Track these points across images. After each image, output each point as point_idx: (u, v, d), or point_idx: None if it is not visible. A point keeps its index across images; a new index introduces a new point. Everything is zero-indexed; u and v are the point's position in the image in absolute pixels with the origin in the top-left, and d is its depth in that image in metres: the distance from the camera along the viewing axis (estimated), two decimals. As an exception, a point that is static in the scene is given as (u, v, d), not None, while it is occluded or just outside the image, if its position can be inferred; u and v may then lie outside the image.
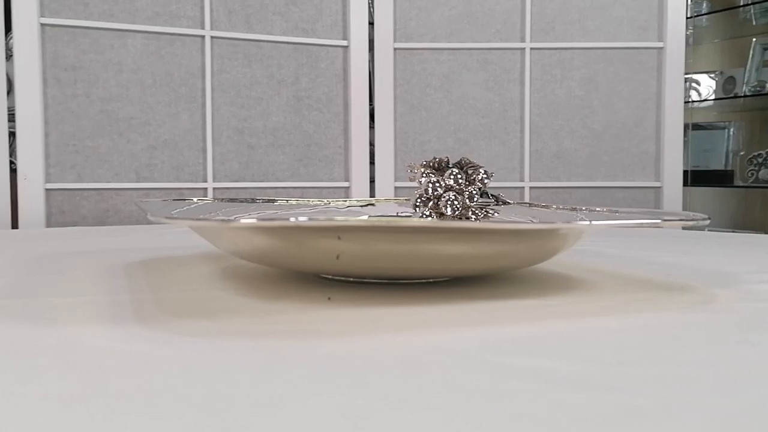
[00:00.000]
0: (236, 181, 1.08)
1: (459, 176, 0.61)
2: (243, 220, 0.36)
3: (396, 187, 1.16)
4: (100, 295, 0.40)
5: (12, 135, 0.96)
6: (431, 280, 0.46)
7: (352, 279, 0.45)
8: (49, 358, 0.27)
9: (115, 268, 0.49)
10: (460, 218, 0.60)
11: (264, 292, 0.41)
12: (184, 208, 0.54)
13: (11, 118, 0.96)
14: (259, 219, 0.38)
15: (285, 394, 0.22)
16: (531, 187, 1.19)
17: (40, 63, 0.96)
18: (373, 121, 1.15)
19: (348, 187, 1.14)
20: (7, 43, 0.99)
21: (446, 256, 0.41)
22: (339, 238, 0.38)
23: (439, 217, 0.60)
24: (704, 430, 0.19)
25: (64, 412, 0.21)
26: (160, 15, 1.02)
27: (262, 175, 1.10)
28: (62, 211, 0.99)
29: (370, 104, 1.17)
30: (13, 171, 0.96)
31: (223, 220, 0.37)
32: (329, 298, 0.39)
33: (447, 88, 1.17)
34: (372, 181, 1.16)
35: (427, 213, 0.60)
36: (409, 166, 0.63)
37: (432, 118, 1.17)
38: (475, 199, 0.61)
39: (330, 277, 0.45)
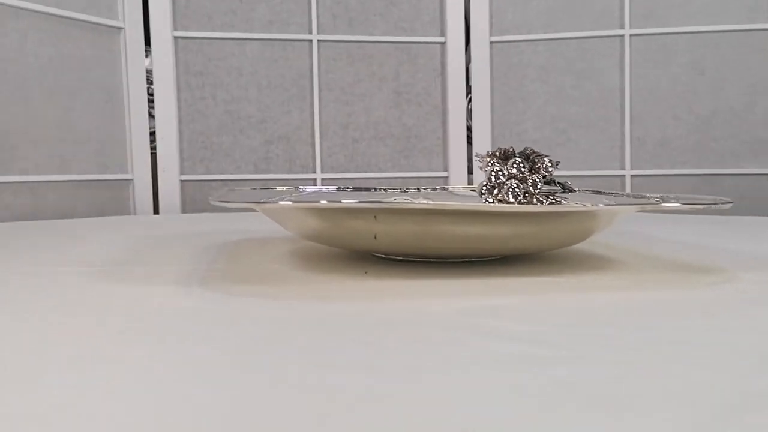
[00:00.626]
0: (342, 172, 1.19)
1: (522, 165, 0.66)
2: (281, 202, 0.44)
3: (493, 176, 1.20)
4: (185, 265, 0.50)
5: (152, 134, 1.13)
6: (467, 260, 0.51)
7: (399, 258, 0.51)
8: (121, 308, 0.37)
9: (213, 246, 0.59)
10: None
11: (315, 267, 0.48)
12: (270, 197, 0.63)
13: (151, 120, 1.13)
14: (292, 201, 0.46)
15: (298, 341, 0.30)
16: (632, 176, 1.18)
17: (174, 71, 1.12)
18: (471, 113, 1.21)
19: (447, 177, 1.21)
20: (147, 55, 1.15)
21: (468, 236, 0.45)
22: (375, 218, 0.44)
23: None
24: (686, 399, 0.25)
25: (127, 345, 0.30)
26: (273, 23, 1.15)
27: (365, 166, 1.19)
28: (194, 200, 1.14)
29: (468, 97, 1.22)
30: (154, 165, 1.13)
31: (259, 202, 0.46)
32: (366, 272, 0.46)
33: (544, 79, 1.20)
34: (470, 171, 1.21)
35: (491, 201, 0.66)
36: (477, 155, 0.69)
37: (529, 108, 1.20)
38: (539, 187, 0.65)
39: (383, 256, 0.51)
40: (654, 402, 0.21)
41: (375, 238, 0.45)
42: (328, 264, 0.49)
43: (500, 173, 0.66)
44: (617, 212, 0.51)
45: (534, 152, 0.68)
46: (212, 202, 0.47)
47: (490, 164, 0.66)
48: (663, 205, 0.54)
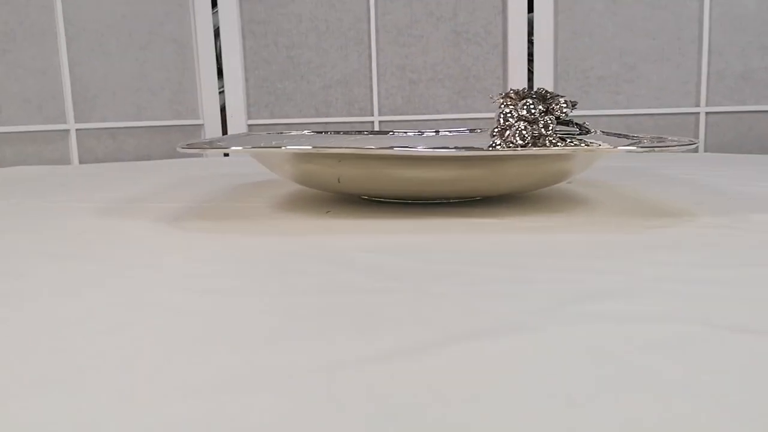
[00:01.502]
0: (400, 114, 1.21)
1: (532, 106, 0.66)
2: (233, 148, 0.49)
3: (555, 116, 1.16)
4: (184, 202, 0.56)
5: (220, 79, 1.21)
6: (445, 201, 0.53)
7: (369, 198, 0.54)
8: (99, 238, 0.45)
9: (231, 186, 0.66)
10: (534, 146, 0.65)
11: (286, 206, 0.52)
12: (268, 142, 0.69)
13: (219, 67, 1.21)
14: (252, 147, 0.50)
15: (209, 267, 0.36)
16: (708, 113, 1.08)
17: (239, 20, 1.19)
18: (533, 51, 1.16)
19: (505, 117, 1.18)
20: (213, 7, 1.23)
21: (415, 180, 0.47)
22: (339, 161, 0.47)
23: (509, 146, 0.66)
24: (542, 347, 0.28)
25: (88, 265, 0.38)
26: (329, -31, 1.17)
27: (423, 108, 1.20)
28: (261, 142, 1.23)
29: (530, 34, 1.17)
30: (222, 110, 1.22)
31: (220, 147, 0.51)
32: (328, 212, 0.49)
33: (613, 11, 1.12)
34: (529, 110, 1.18)
35: (498, 143, 0.67)
36: (490, 96, 0.70)
37: (595, 43, 1.13)
38: (551, 129, 0.65)
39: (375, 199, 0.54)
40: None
41: (338, 181, 0.49)
42: (299, 204, 0.53)
43: (509, 115, 0.66)
44: (549, 155, 0.49)
45: (549, 93, 0.67)
46: (178, 149, 0.53)
47: (501, 105, 0.66)
48: (619, 148, 0.51)
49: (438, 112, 1.20)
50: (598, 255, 0.33)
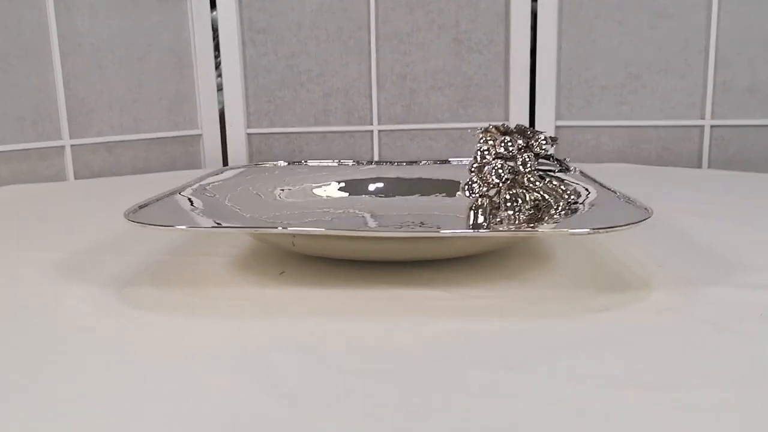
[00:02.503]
0: (399, 123, 1.19)
1: (510, 143, 0.65)
2: (178, 227, 0.46)
3: (557, 126, 1.14)
4: (145, 253, 0.54)
5: (219, 90, 1.20)
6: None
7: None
8: (29, 321, 0.43)
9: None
10: (513, 187, 0.64)
11: (245, 261, 0.50)
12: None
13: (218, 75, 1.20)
14: (196, 227, 0.47)
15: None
16: (713, 126, 1.06)
17: (238, 28, 1.17)
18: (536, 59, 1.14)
19: (507, 127, 1.16)
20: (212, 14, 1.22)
21: (354, 250, 0.45)
22: (293, 243, 0.46)
23: (486, 185, 0.65)
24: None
25: None
26: (328, -24, 1.15)
27: (423, 116, 1.19)
28: (260, 152, 1.22)
29: (533, 42, 1.15)
30: (221, 119, 1.21)
31: (161, 225, 0.48)
32: (282, 273, 0.47)
33: (619, 19, 1.09)
34: (532, 122, 1.16)
35: (475, 180, 0.65)
36: (470, 129, 0.68)
37: (600, 52, 1.11)
38: (529, 165, 0.64)
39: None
40: None
41: (293, 245, 0.47)
42: (264, 258, 0.50)
43: (486, 152, 0.65)
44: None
45: (529, 129, 0.66)
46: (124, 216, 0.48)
47: (480, 141, 0.65)
48: (571, 231, 0.46)
49: (438, 121, 1.18)
50: (507, 360, 0.32)
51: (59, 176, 1.01)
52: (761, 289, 0.41)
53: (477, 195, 0.65)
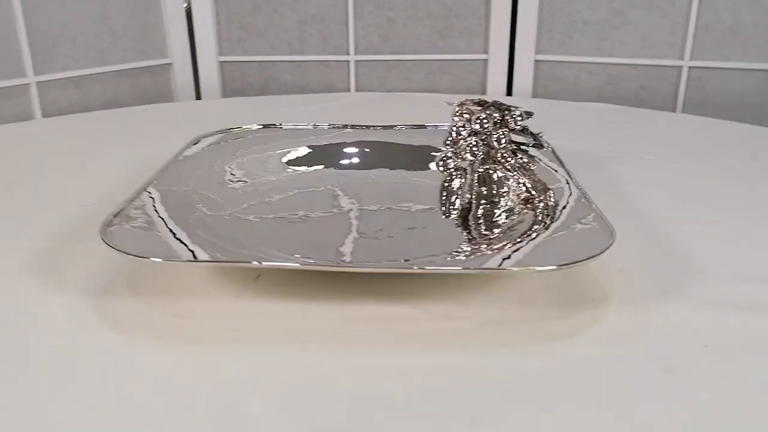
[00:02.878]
0: (376, 54, 1.16)
1: (485, 121, 0.65)
2: (153, 258, 0.45)
3: (537, 61, 1.13)
4: None
5: (188, 15, 1.15)
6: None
7: None
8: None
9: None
10: (485, 162, 0.65)
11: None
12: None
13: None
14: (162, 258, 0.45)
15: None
16: (691, 67, 1.05)
17: (205, -50, 1.11)
18: (517, -10, 1.10)
19: (486, 60, 1.14)
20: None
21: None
22: (257, 276, 0.46)
23: (459, 159, 0.65)
24: None
25: None
26: None
27: (400, 47, 1.16)
28: (233, 80, 1.19)
29: (515, -29, 1.10)
30: (191, 47, 1.17)
31: (139, 256, 0.46)
32: (258, 276, 0.47)
33: (604, -50, 1.05)
34: (512, 57, 1.14)
35: (450, 155, 0.66)
36: (446, 102, 0.68)
37: (583, -15, 1.07)
38: (503, 142, 0.65)
39: None
40: None
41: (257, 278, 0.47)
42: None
43: (462, 128, 0.66)
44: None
45: (504, 105, 0.66)
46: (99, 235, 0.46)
47: (457, 114, 0.65)
48: (536, 269, 0.43)
49: (417, 52, 1.16)
50: (458, 413, 0.34)
51: (26, 115, 0.99)
52: (714, 306, 0.44)
53: (451, 169, 0.66)
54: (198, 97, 1.17)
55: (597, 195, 0.57)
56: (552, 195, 0.54)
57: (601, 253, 0.42)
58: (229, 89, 1.19)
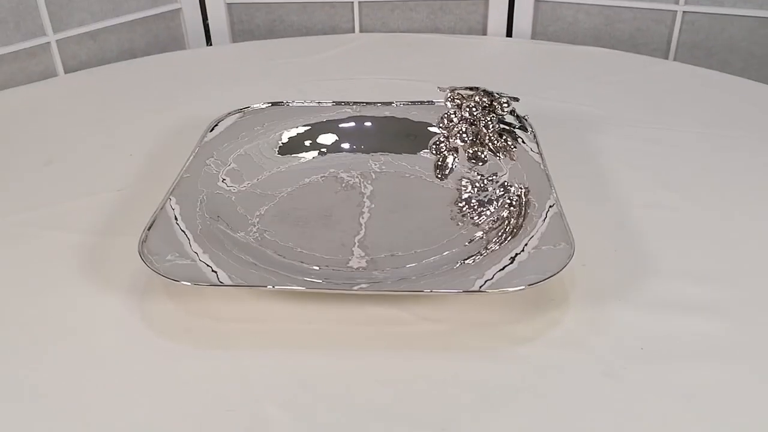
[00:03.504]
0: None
1: (474, 109, 0.72)
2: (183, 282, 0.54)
3: (537, 1, 1.15)
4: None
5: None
6: None
7: None
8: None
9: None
10: (474, 145, 0.72)
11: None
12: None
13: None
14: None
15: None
16: (685, 12, 1.08)
17: None
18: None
19: (487, 0, 1.17)
20: None
21: None
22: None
23: (451, 141, 0.73)
24: None
25: None
26: None
27: (403, -12, 1.18)
28: (241, 21, 1.23)
29: None
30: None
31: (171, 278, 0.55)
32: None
33: None
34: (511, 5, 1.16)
35: (442, 140, 0.73)
36: (439, 87, 0.74)
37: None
38: (491, 127, 0.72)
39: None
40: None
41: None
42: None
43: (453, 115, 0.73)
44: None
45: (493, 92, 0.73)
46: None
47: (449, 100, 0.72)
48: (511, 290, 0.50)
49: (418, -7, 1.18)
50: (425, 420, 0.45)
51: (49, 72, 1.05)
52: (660, 309, 0.53)
53: (444, 153, 0.74)
54: (208, 40, 1.22)
55: (574, 176, 0.66)
56: (525, 194, 0.62)
57: (558, 272, 0.50)
58: (237, 31, 1.23)
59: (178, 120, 0.85)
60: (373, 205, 0.65)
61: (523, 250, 0.53)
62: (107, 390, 0.47)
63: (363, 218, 0.63)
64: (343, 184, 0.68)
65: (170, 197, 0.61)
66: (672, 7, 1.08)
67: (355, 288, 0.52)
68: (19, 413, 0.45)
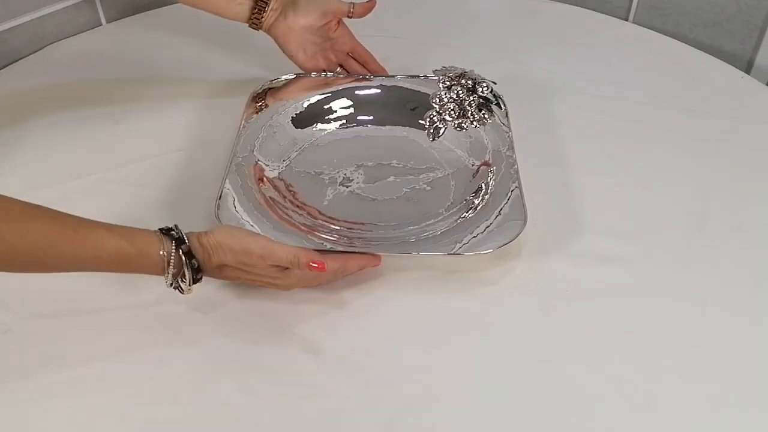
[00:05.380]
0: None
1: (461, 92, 0.90)
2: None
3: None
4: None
5: None
6: None
7: None
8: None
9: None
10: (459, 117, 0.90)
11: None
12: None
13: None
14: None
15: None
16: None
17: None
18: None
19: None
20: None
21: None
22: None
23: (442, 120, 0.91)
24: None
25: None
26: None
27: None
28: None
29: None
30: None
31: None
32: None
33: None
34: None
35: (435, 120, 0.92)
36: (433, 71, 0.92)
37: None
38: (473, 105, 0.90)
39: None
40: None
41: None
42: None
43: (444, 96, 0.91)
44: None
45: (478, 76, 0.90)
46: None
47: (441, 82, 0.90)
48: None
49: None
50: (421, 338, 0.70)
51: (94, 22, 1.20)
52: (584, 259, 0.75)
53: (436, 123, 0.93)
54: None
55: (534, 143, 0.86)
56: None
57: (514, 238, 0.72)
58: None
59: (222, 90, 1.01)
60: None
61: (491, 223, 0.75)
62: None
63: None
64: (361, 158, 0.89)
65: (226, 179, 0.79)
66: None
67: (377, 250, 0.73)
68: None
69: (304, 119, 0.92)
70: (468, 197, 0.81)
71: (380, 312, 0.70)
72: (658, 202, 0.83)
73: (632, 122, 0.96)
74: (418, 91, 0.94)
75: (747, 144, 0.91)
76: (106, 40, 1.15)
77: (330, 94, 0.94)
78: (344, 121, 0.93)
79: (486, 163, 0.85)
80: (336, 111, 0.94)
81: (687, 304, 0.70)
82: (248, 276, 0.63)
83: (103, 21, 1.21)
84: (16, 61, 1.10)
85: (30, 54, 1.12)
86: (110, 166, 0.87)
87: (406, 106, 0.94)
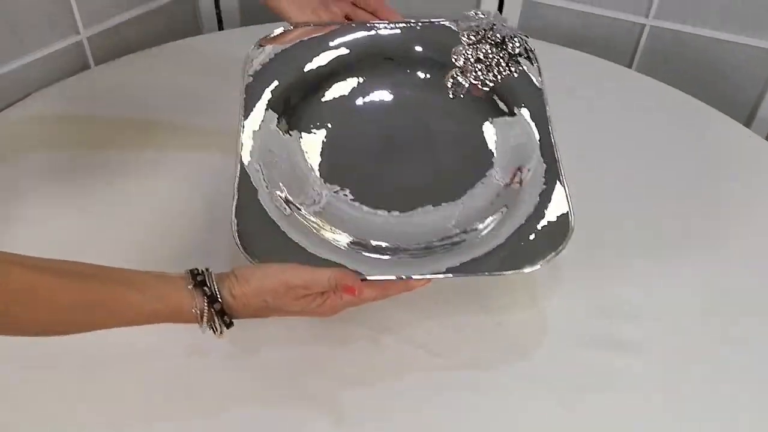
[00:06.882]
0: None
1: (489, 53, 0.79)
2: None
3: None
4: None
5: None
6: None
7: None
8: None
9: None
10: (484, 79, 0.80)
11: None
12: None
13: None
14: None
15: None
16: (653, 26, 1.21)
17: None
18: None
19: (478, -2, 1.27)
20: None
21: None
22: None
23: (466, 79, 0.81)
24: None
25: None
26: None
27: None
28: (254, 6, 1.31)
29: None
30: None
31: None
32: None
33: None
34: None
35: (460, 80, 0.81)
36: (456, 21, 0.81)
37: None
38: (503, 64, 0.79)
39: None
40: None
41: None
42: None
43: (470, 55, 0.80)
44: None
45: (505, 30, 0.79)
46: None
47: (464, 36, 0.79)
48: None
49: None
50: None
51: (84, 65, 1.15)
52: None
53: (461, 83, 0.82)
54: (220, 23, 1.31)
55: None
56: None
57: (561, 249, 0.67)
58: (248, 9, 1.31)
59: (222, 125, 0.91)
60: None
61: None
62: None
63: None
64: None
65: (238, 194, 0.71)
66: (639, 19, 1.21)
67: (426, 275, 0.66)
68: None
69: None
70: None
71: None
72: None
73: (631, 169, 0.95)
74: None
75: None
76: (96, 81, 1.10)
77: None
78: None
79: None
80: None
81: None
82: (288, 310, 0.61)
83: (92, 63, 1.16)
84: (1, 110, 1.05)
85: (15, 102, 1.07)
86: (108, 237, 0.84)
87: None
